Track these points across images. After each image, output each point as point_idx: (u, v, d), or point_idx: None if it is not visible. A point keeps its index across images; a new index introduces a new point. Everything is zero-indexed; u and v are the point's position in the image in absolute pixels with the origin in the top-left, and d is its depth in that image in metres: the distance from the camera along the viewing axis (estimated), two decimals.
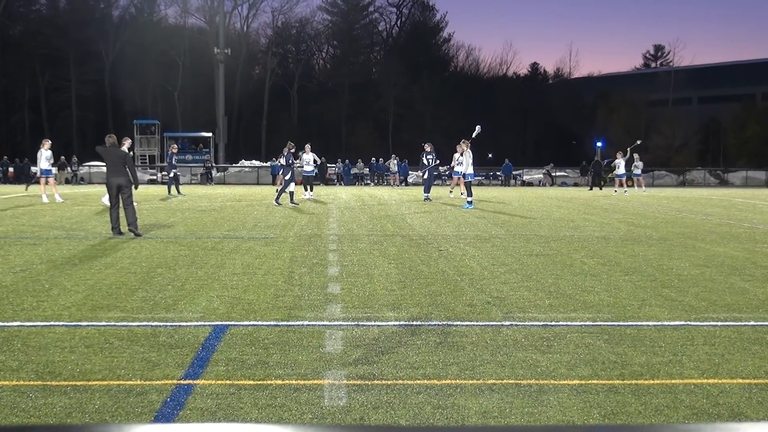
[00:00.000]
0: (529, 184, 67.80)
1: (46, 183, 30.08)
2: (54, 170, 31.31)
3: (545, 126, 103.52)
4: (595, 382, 6.33)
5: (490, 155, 69.99)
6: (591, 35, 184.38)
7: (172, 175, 36.81)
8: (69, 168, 61.84)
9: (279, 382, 6.24)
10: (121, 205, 17.19)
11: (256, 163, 70.40)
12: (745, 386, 6.27)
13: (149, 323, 8.24)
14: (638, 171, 46.37)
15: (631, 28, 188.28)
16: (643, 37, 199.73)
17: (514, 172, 68.07)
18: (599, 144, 71.56)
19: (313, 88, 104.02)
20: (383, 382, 6.26)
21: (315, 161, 33.47)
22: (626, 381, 6.36)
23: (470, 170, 28.05)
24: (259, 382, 6.22)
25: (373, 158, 65.80)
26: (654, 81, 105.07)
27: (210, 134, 73.41)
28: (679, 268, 12.65)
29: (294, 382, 6.24)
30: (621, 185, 43.06)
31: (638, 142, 44.01)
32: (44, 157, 29.54)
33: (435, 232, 18.31)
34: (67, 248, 14.69)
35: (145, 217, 22.12)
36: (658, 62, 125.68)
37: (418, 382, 6.27)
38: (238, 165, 70.23)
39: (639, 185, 47.12)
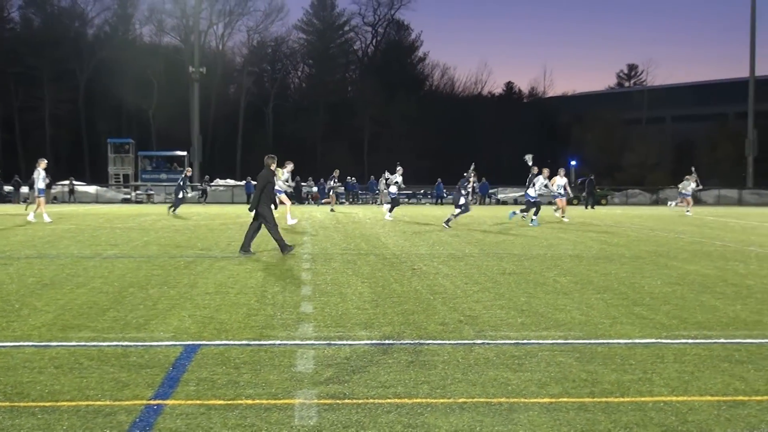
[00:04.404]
0: (504, 202, 67.97)
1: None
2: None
3: (520, 145, 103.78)
4: (565, 400, 6.34)
5: (464, 174, 70.13)
6: (565, 55, 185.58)
7: (180, 196, 37.11)
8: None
9: (249, 401, 6.22)
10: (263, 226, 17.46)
11: (231, 181, 70.23)
12: (714, 404, 6.30)
13: (120, 343, 8.19)
14: (687, 192, 44.94)
15: (604, 48, 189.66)
16: (616, 57, 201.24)
17: (489, 191, 68.27)
18: (573, 163, 71.91)
19: (288, 107, 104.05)
20: (354, 401, 6.25)
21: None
22: (596, 399, 6.38)
23: (532, 193, 29.65)
24: (229, 402, 6.19)
25: (348, 177, 65.80)
26: (628, 100, 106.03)
27: (185, 153, 73.21)
28: (651, 286, 12.72)
29: (265, 401, 6.22)
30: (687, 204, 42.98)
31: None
32: (41, 176, 29.22)
33: (409, 251, 18.32)
34: (39, 268, 14.60)
35: (117, 237, 22.06)
36: (632, 81, 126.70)
37: (389, 400, 6.26)
38: (213, 184, 70.08)
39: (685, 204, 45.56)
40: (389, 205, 33.74)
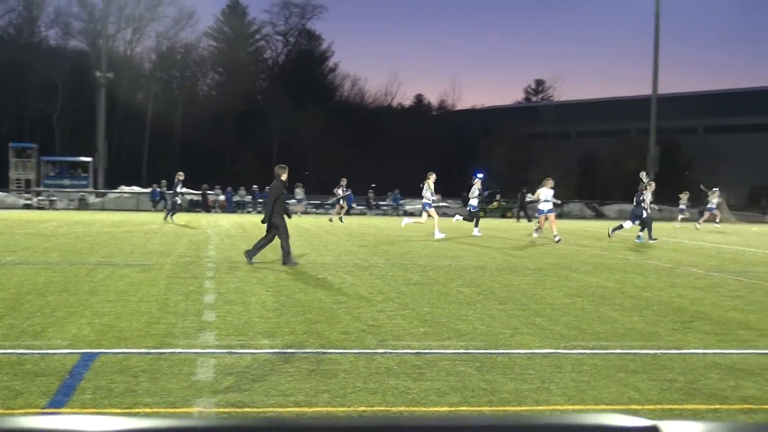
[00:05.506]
0: (411, 214, 68.23)
1: None
2: None
3: (429, 157, 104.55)
4: (463, 408, 6.40)
5: (373, 185, 70.32)
6: (474, 69, 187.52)
7: (179, 201, 36.52)
8: None
9: (147, 410, 6.13)
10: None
11: (137, 188, 69.09)
12: (608, 412, 6.42)
13: (15, 351, 8.01)
14: (712, 206, 44.82)
15: (512, 63, 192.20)
16: (524, 72, 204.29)
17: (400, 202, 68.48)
18: (480, 175, 72.60)
19: (197, 114, 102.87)
20: (253, 409, 6.22)
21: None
22: (494, 408, 6.45)
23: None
24: (125, 411, 6.10)
25: (254, 186, 65.40)
26: (535, 115, 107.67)
27: (90, 159, 71.79)
28: (552, 298, 12.94)
29: (162, 410, 6.15)
30: (712, 219, 43.20)
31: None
32: None
33: (314, 260, 18.32)
34: None
35: (17, 242, 21.57)
36: (539, 96, 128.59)
37: (289, 409, 6.25)
38: (118, 191, 68.90)
39: (712, 220, 45.29)
40: (469, 221, 31.99)
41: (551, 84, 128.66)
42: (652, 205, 28.87)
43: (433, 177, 27.92)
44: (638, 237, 28.49)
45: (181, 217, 37.53)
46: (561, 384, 7.27)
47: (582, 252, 23.21)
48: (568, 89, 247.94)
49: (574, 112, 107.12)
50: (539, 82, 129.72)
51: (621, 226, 28.59)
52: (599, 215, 70.66)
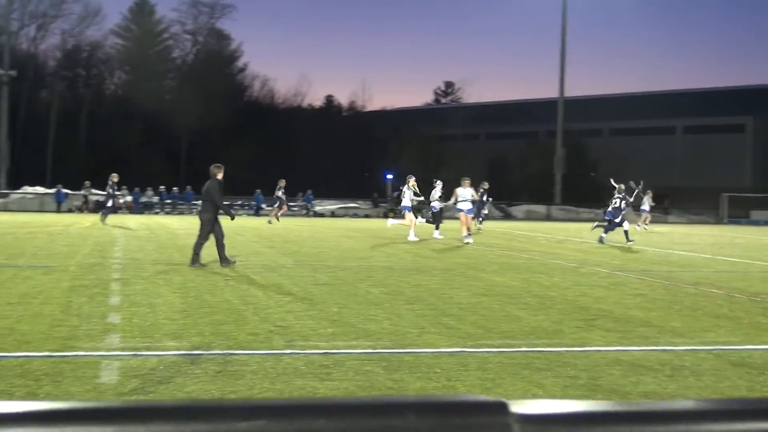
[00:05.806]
0: (321, 215, 68.14)
1: None
2: None
3: (339, 158, 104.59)
4: None
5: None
6: (383, 70, 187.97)
7: (110, 204, 35.74)
8: None
9: None
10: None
11: (40, 189, 67.61)
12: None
13: None
14: (646, 207, 45.08)
15: (422, 65, 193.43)
16: (434, 74, 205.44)
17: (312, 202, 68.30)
18: (390, 176, 72.87)
19: (103, 113, 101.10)
20: None
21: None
22: None
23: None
24: None
25: (161, 186, 64.72)
26: (444, 117, 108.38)
27: None
28: (460, 297, 13.07)
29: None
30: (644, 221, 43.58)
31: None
32: None
33: None
34: None
35: None
36: (449, 98, 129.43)
37: None
38: (21, 191, 67.37)
39: (644, 221, 45.46)
40: (424, 221, 31.91)
41: (460, 86, 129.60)
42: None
43: (413, 180, 28.30)
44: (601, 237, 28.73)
45: (86, 218, 36.88)
46: (467, 382, 7.35)
47: (490, 252, 23.49)
48: (476, 92, 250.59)
49: (483, 114, 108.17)
50: (448, 84, 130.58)
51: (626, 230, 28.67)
52: (508, 216, 71.51)
